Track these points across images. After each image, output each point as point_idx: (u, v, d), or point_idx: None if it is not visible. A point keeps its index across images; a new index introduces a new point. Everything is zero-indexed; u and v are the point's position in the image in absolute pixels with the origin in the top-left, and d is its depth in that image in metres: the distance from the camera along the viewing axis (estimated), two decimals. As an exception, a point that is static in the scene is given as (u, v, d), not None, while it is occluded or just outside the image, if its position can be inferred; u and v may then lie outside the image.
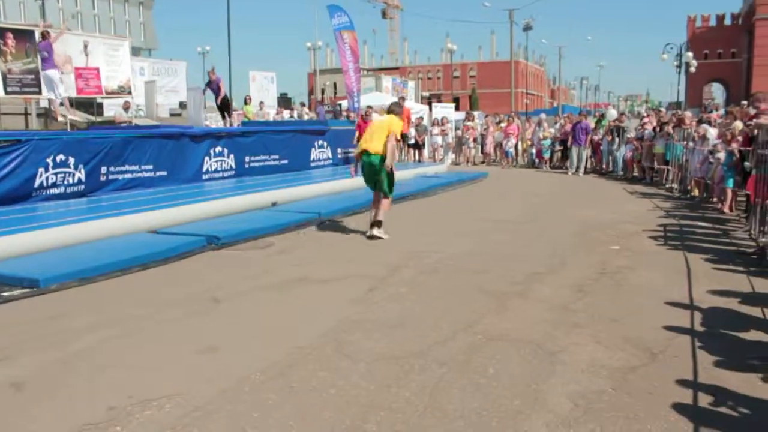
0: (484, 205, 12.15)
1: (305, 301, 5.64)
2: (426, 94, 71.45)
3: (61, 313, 5.23)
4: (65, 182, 10.38)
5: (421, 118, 23.63)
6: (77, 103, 20.83)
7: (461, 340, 4.53)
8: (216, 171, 13.70)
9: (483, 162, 23.45)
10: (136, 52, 50.96)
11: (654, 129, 16.19)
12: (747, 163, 9.53)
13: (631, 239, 8.46)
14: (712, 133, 12.09)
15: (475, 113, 28.58)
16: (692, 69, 49.29)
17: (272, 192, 11.20)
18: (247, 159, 14.58)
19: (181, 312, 5.29)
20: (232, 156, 14.13)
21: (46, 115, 18.67)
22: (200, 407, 3.47)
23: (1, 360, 4.20)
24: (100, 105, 22.71)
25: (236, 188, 11.94)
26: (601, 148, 19.45)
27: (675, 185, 14.23)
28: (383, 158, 8.43)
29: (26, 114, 19.12)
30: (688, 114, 16.60)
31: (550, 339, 4.56)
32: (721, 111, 21.83)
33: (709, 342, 4.48)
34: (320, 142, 17.47)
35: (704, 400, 3.55)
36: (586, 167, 19.35)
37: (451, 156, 23.54)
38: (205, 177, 13.34)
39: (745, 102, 16.42)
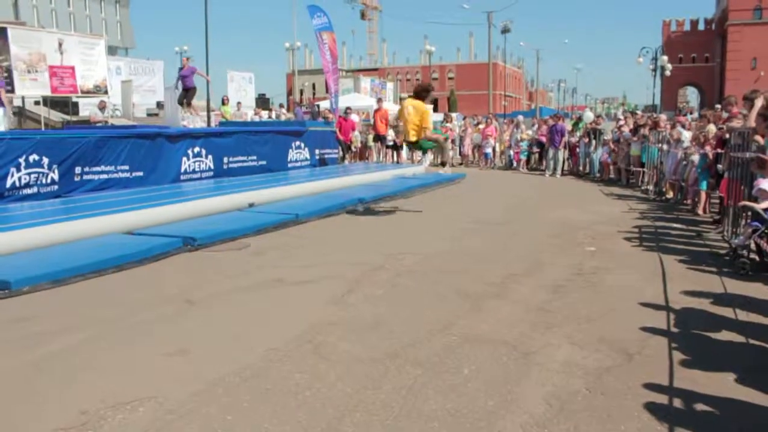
0: (461, 206, 12.19)
1: (281, 303, 5.62)
2: (404, 95, 71.53)
3: (33, 315, 5.16)
4: (39, 182, 10.24)
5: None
6: (52, 103, 20.60)
7: (437, 342, 4.53)
8: (194, 172, 13.60)
9: (461, 163, 23.51)
10: (112, 51, 50.54)
11: (630, 131, 16.36)
12: (720, 166, 9.66)
13: (606, 240, 8.53)
14: (687, 135, 12.24)
15: (454, 115, 28.65)
16: (667, 73, 49.85)
17: (250, 193, 11.14)
18: (225, 160, 14.49)
19: (156, 314, 5.23)
20: (210, 156, 14.03)
21: (20, 114, 18.42)
22: (174, 410, 3.43)
23: (-29, 363, 4.12)
24: (76, 104, 22.46)
25: (213, 189, 11.86)
26: (578, 150, 19.61)
27: (650, 187, 14.39)
28: (421, 140, 10.32)
29: (-1, 113, 18.82)
30: (663, 117, 16.78)
31: (525, 340, 4.58)
32: (695, 114, 22.11)
33: (682, 342, 4.53)
34: (298, 143, 17.43)
35: (678, 400, 3.58)
36: (563, 169, 19.50)
37: (429, 157, 23.55)
38: (183, 178, 13.23)
39: (718, 105, 16.64)
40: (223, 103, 25.16)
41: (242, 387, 3.75)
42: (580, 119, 22.09)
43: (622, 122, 18.01)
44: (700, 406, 3.51)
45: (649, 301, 5.59)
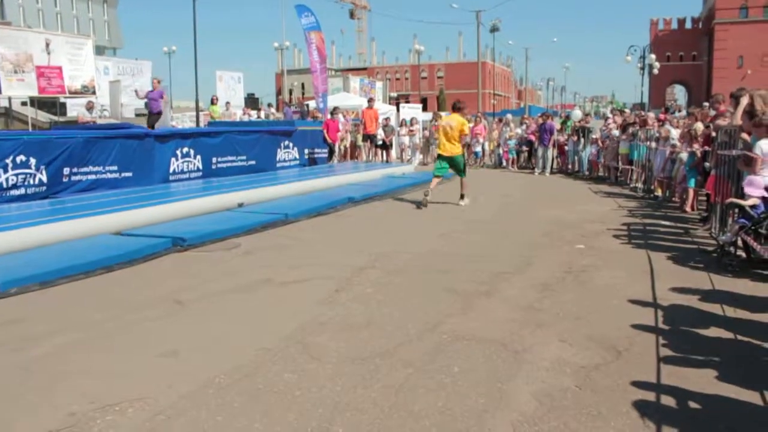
0: (451, 206, 12.20)
1: (271, 303, 5.61)
2: (394, 94, 71.50)
3: (22, 317, 5.13)
4: (26, 183, 10.18)
5: (389, 119, 23.66)
6: (39, 103, 20.46)
7: (427, 340, 4.54)
8: (183, 172, 13.56)
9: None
10: (100, 51, 50.26)
11: (620, 127, 16.43)
12: (707, 164, 9.72)
13: (596, 238, 8.57)
14: (675, 134, 12.31)
15: (443, 114, 28.62)
16: (655, 71, 50.17)
17: (239, 193, 11.12)
18: (214, 160, 14.46)
19: (145, 315, 5.21)
20: (198, 157, 13.99)
21: (6, 114, 18.29)
22: (163, 411, 3.43)
23: (-42, 366, 4.09)
24: (63, 105, 22.35)
25: (203, 189, 11.82)
26: (567, 148, 19.68)
27: (639, 185, 14.46)
28: (460, 156, 12.10)
29: (-15, 114, 18.73)
30: (651, 115, 16.88)
31: (515, 338, 4.59)
32: (683, 112, 22.23)
33: (671, 339, 4.56)
34: (287, 142, 17.42)
35: (666, 397, 3.60)
36: (552, 167, 19.57)
37: (418, 156, 23.61)
38: (171, 178, 13.19)
39: (706, 103, 16.75)
40: (212, 103, 25.08)
41: (232, 388, 3.74)
42: (568, 118, 22.16)
43: (610, 120, 18.08)
44: (688, 403, 3.53)
45: (638, 298, 5.62)
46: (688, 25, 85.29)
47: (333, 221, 10.22)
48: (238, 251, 7.76)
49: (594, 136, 17.98)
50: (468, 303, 5.51)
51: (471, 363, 4.12)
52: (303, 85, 66.69)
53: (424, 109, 33.52)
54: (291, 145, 17.60)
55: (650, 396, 3.61)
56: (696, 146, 10.43)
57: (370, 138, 20.92)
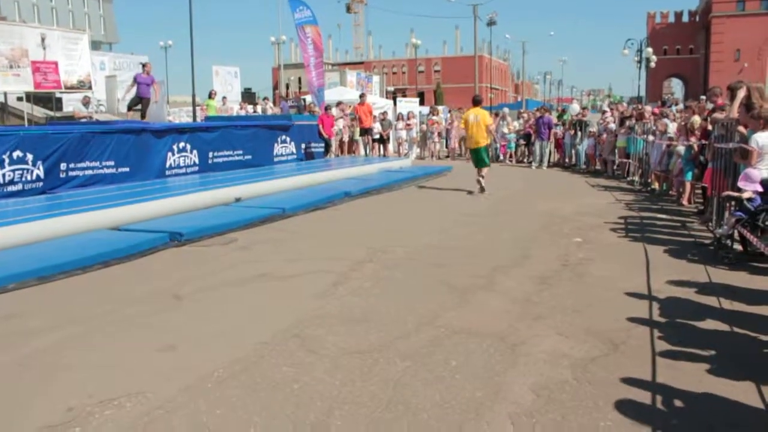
0: (448, 199, 12.21)
1: (268, 297, 5.62)
2: (391, 88, 71.44)
3: (19, 312, 5.13)
4: (23, 179, 10.17)
5: (386, 113, 23.66)
6: (35, 98, 20.42)
7: (424, 334, 4.55)
8: (179, 167, 13.55)
9: (447, 156, 23.56)
10: (96, 46, 50.08)
11: (619, 120, 16.43)
12: (702, 157, 9.73)
13: (592, 232, 8.59)
14: (672, 127, 12.31)
15: (440, 108, 28.63)
16: (652, 64, 50.12)
17: (236, 187, 11.11)
18: (210, 154, 14.45)
19: (143, 309, 5.22)
20: (195, 151, 13.98)
21: (2, 110, 18.26)
22: (162, 405, 3.43)
23: (-44, 361, 4.10)
24: (60, 100, 22.29)
25: (199, 184, 11.81)
26: (564, 141, 19.68)
27: (636, 178, 14.47)
28: (485, 147, 12.99)
29: (-19, 109, 18.67)
30: (648, 108, 16.88)
31: (512, 331, 4.61)
32: (680, 105, 22.23)
33: (667, 331, 4.57)
34: (283, 137, 17.41)
35: (663, 390, 3.62)
36: (549, 161, 19.58)
37: (415, 150, 23.60)
38: (168, 173, 13.18)
39: (703, 97, 16.74)
40: (210, 97, 25.02)
41: (231, 381, 3.75)
42: (564, 111, 22.16)
43: (608, 114, 18.08)
44: (685, 396, 3.54)
45: (635, 291, 5.64)
46: (685, 18, 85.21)
47: (330, 216, 10.22)
48: (235, 246, 7.76)
49: (591, 130, 17.98)
50: (465, 296, 5.52)
51: (468, 356, 4.13)
52: (300, 79, 66.65)
53: (421, 103, 33.54)
54: (288, 139, 17.59)
55: (647, 388, 3.63)
56: (693, 139, 10.44)
57: (367, 132, 20.90)
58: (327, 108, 19.93)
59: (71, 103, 21.40)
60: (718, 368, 3.90)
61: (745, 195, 6.56)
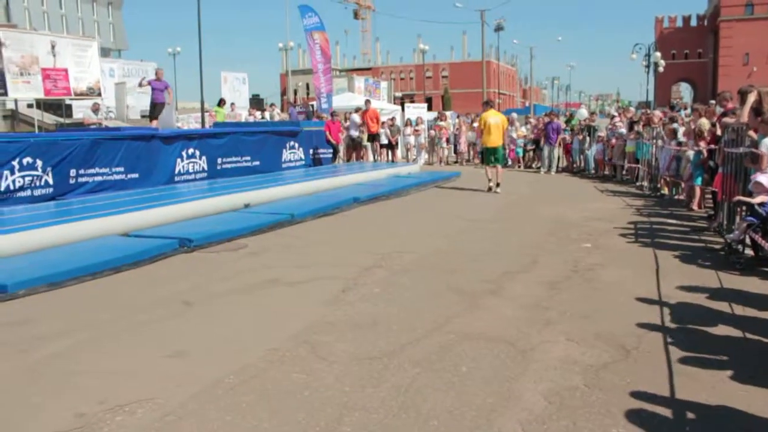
0: (456, 205, 12.20)
1: (278, 303, 5.62)
2: (398, 94, 71.56)
3: (30, 318, 5.15)
4: (33, 185, 10.22)
5: (394, 119, 23.66)
6: (45, 105, 20.53)
7: (434, 340, 4.54)
8: (188, 173, 13.60)
9: (456, 162, 23.54)
10: (105, 53, 50.39)
11: (628, 124, 16.39)
12: (711, 162, 9.69)
13: (602, 237, 8.56)
14: (680, 131, 12.26)
15: (448, 113, 28.64)
16: (660, 69, 50.00)
17: (245, 193, 11.13)
18: (219, 160, 14.50)
19: (153, 316, 5.23)
20: (204, 158, 14.03)
21: (12, 116, 18.37)
22: (172, 412, 3.43)
23: (-32, 367, 4.11)
24: (69, 107, 22.39)
25: (209, 190, 11.85)
26: (572, 147, 19.64)
27: (645, 183, 14.42)
28: (503, 146, 14.70)
29: (-8, 116, 18.78)
30: (657, 113, 16.83)
31: (522, 337, 4.59)
32: (689, 110, 22.16)
33: (679, 337, 4.55)
34: (292, 143, 17.45)
35: (676, 396, 3.59)
36: (558, 166, 19.54)
37: (424, 156, 23.60)
38: (177, 179, 13.23)
39: (712, 101, 16.68)
40: (219, 105, 25.12)
41: (241, 388, 3.75)
42: (572, 116, 22.13)
43: (617, 119, 18.03)
44: (697, 402, 3.52)
45: (645, 296, 5.61)
46: (694, 22, 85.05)
47: (339, 221, 10.23)
48: (244, 252, 7.77)
49: (600, 135, 17.93)
50: (474, 302, 5.50)
51: (478, 362, 4.12)
52: (308, 85, 66.80)
53: (429, 108, 33.53)
54: (296, 145, 17.63)
55: (660, 395, 3.60)
56: (702, 144, 10.39)
57: (374, 138, 20.90)
58: (333, 114, 19.97)
59: (81, 110, 21.51)
60: (730, 375, 3.87)
61: (757, 200, 6.53)
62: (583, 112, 21.46)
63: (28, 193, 10.15)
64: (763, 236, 6.37)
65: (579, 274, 6.52)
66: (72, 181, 10.96)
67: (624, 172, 16.47)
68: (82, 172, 11.13)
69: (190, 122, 27.20)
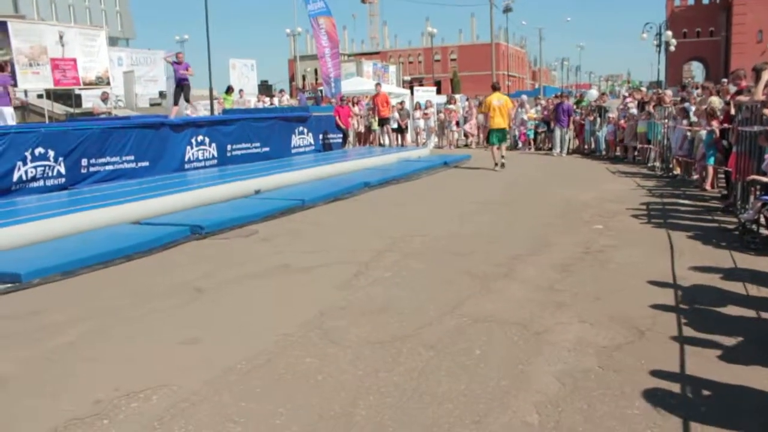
0: (467, 188, 12.16)
1: (290, 289, 5.63)
2: (407, 78, 71.30)
3: (44, 307, 5.18)
4: (45, 175, 10.27)
5: (403, 102, 23.57)
6: (55, 95, 20.58)
7: (447, 323, 4.53)
8: (198, 160, 13.63)
9: (466, 145, 23.44)
10: (113, 42, 50.44)
11: (638, 107, 16.25)
12: (725, 141, 9.59)
13: (614, 218, 8.51)
14: (692, 110, 12.14)
15: (457, 96, 28.50)
16: (672, 48, 49.54)
17: (255, 180, 11.14)
18: (228, 147, 14.50)
19: (166, 303, 5.25)
20: (213, 145, 14.04)
21: (24, 108, 18.41)
22: (187, 398, 3.45)
23: (-16, 356, 4.15)
24: (78, 96, 22.43)
25: (219, 177, 11.86)
26: (585, 128, 19.51)
27: (657, 164, 14.31)
28: (506, 129, 15.31)
29: (3, 107, 18.77)
30: (669, 93, 16.67)
31: (535, 319, 4.57)
32: (700, 90, 21.94)
33: (693, 318, 4.52)
34: (301, 128, 17.43)
35: (691, 377, 3.57)
36: (568, 148, 19.42)
37: (434, 139, 23.51)
38: (187, 166, 13.26)
39: (725, 80, 16.48)
40: (227, 92, 25.09)
41: (254, 373, 3.76)
42: (582, 97, 21.96)
43: (629, 99, 17.87)
44: (712, 383, 3.50)
45: (659, 277, 5.57)
46: (706, 0, 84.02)
47: (349, 206, 10.22)
48: (256, 238, 7.79)
49: (611, 115, 17.79)
50: (487, 285, 5.49)
51: (492, 345, 4.11)
52: (316, 71, 66.46)
53: (438, 92, 33.36)
54: (306, 131, 17.60)
55: (675, 376, 3.58)
56: (715, 123, 10.28)
57: (384, 122, 20.84)
58: (343, 99, 19.90)
59: (90, 100, 21.52)
60: (745, 355, 3.85)
61: (771, 178, 6.46)
62: (593, 93, 21.29)
63: (41, 183, 10.20)
64: (777, 215, 6.31)
65: (591, 255, 6.49)
66: (83, 171, 11.00)
67: (636, 153, 16.35)
68: (93, 161, 11.16)
69: (198, 109, 27.22)
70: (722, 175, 10.56)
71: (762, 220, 6.78)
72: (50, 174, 10.36)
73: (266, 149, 15.68)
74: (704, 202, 9.71)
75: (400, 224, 8.40)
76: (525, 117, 21.49)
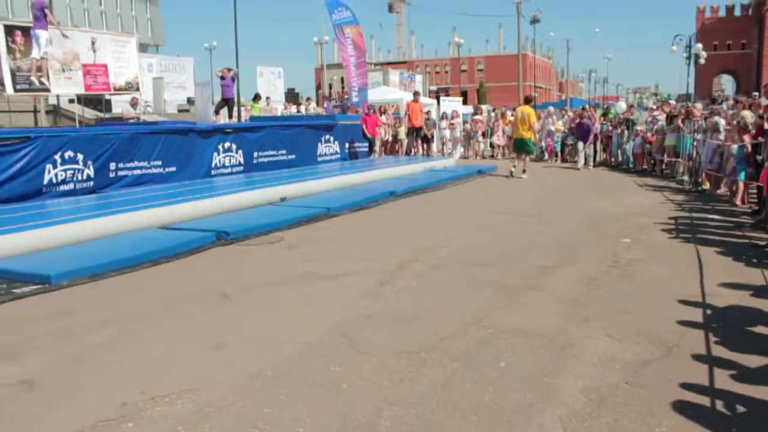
0: (493, 199, 12.11)
1: (315, 296, 5.63)
2: (434, 88, 71.29)
3: (72, 309, 5.24)
4: (75, 179, 10.42)
5: (429, 112, 23.56)
6: (86, 100, 20.90)
7: (472, 334, 4.51)
8: (225, 166, 13.73)
9: (492, 156, 23.36)
10: (143, 48, 51.08)
11: (666, 120, 16.08)
12: (759, 156, 9.44)
13: (642, 232, 8.41)
14: (723, 124, 11.99)
15: (484, 107, 28.44)
16: (701, 61, 48.84)
17: (281, 187, 11.20)
18: (255, 154, 14.60)
19: (192, 308, 5.28)
20: (240, 151, 14.14)
21: (55, 112, 18.72)
22: (212, 403, 3.46)
23: (13, 357, 4.20)
24: (109, 102, 22.76)
25: (245, 183, 11.94)
26: (611, 141, 19.34)
27: (686, 178, 14.14)
28: (529, 138, 16.05)
29: (35, 111, 19.16)
30: (698, 106, 16.47)
31: (561, 332, 4.53)
32: (732, 103, 21.66)
33: (722, 336, 4.44)
34: (327, 136, 17.48)
35: (719, 396, 3.51)
36: (595, 160, 19.26)
37: (459, 150, 23.46)
38: (214, 173, 13.37)
39: (756, 93, 16.26)
40: (255, 100, 25.28)
41: (279, 380, 3.76)
42: (608, 110, 21.76)
43: (657, 112, 17.69)
44: (742, 402, 3.43)
45: (687, 293, 5.49)
46: (737, 12, 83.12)
47: (375, 215, 10.22)
48: (281, 245, 7.82)
49: (638, 129, 17.62)
50: (512, 296, 5.46)
51: (517, 357, 4.08)
52: (342, 79, 66.76)
53: (465, 102, 33.33)
54: (332, 139, 17.66)
55: (703, 394, 3.52)
56: (747, 138, 10.13)
57: (416, 131, 20.80)
58: (370, 108, 19.95)
59: (120, 105, 21.84)
60: (777, 374, 3.77)
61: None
62: (621, 105, 21.09)
63: (71, 186, 10.35)
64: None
65: (618, 269, 6.42)
66: (112, 175, 11.15)
67: (664, 167, 16.17)
68: (121, 165, 11.31)
69: (225, 116, 27.46)
70: (753, 190, 10.40)
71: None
72: (79, 177, 10.50)
73: (292, 157, 15.76)
74: (734, 217, 9.57)
75: (426, 234, 8.38)
76: (552, 128, 21.36)
